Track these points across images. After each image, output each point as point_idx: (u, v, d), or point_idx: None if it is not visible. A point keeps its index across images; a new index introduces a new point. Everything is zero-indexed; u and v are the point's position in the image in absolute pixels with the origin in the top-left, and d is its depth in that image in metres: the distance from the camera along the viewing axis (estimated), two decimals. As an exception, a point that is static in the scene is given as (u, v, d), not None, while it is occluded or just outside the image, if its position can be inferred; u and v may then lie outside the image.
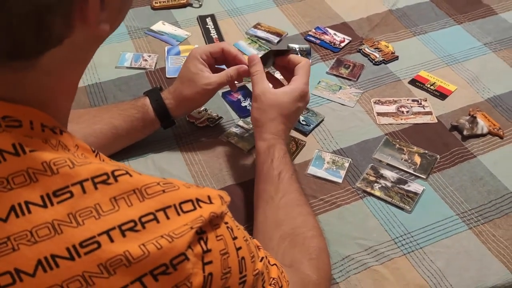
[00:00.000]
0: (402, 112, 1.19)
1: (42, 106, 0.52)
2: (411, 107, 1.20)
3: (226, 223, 0.55)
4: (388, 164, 1.07)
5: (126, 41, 1.38)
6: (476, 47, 1.39)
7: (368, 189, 1.02)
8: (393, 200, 1.00)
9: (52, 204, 0.47)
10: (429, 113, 1.19)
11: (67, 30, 0.49)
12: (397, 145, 1.10)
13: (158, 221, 0.49)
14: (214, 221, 0.53)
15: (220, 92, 1.22)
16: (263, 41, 1.39)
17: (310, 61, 1.30)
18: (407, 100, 1.22)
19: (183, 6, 1.51)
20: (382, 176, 1.04)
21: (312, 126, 1.14)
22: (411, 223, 0.97)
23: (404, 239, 0.94)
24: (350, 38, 1.41)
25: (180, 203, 0.51)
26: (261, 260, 0.62)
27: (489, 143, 1.12)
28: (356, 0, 1.56)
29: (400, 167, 1.06)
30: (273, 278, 0.65)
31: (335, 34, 1.42)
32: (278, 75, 1.12)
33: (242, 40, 1.38)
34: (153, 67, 1.30)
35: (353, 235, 0.95)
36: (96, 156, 0.56)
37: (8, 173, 0.47)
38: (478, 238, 0.95)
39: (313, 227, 0.86)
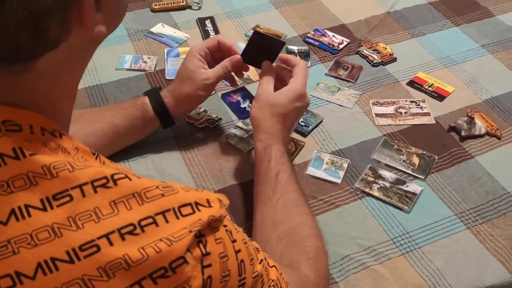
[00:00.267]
0: (401, 113, 1.19)
1: (42, 109, 0.52)
2: (409, 108, 1.21)
3: (225, 226, 0.56)
4: (386, 165, 1.08)
5: (126, 43, 1.38)
6: (474, 48, 1.40)
7: (367, 190, 1.02)
8: (391, 201, 1.00)
9: (52, 208, 0.47)
10: (427, 114, 1.19)
11: (63, 33, 0.50)
12: (396, 146, 1.11)
13: (157, 225, 0.49)
14: (213, 224, 0.53)
15: (219, 93, 1.23)
16: (262, 43, 1.39)
17: (309, 63, 1.32)
18: (405, 101, 1.22)
19: (183, 8, 1.52)
20: (380, 177, 1.05)
21: (311, 127, 1.15)
22: (410, 223, 0.97)
23: (402, 239, 0.95)
24: (348, 40, 1.41)
25: (179, 207, 0.51)
26: (260, 262, 0.62)
27: (487, 143, 1.13)
28: (355, 2, 1.56)
29: (399, 168, 1.07)
30: (273, 280, 0.66)
31: (333, 36, 1.42)
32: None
33: (241, 42, 1.39)
34: (152, 69, 1.30)
35: (352, 235, 0.95)
36: (96, 158, 0.56)
37: (8, 176, 0.47)
38: (476, 237, 0.96)
39: (310, 227, 0.86)
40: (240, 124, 1.16)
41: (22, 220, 0.46)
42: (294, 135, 1.13)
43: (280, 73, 1.02)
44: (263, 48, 1.04)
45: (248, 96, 1.22)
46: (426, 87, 1.27)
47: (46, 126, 0.52)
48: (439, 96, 1.24)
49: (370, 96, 1.24)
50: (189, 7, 1.53)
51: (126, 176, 0.51)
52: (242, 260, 0.56)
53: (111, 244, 0.47)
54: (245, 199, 1.00)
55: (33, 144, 0.49)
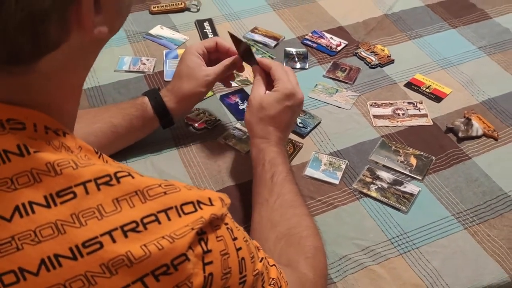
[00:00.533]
0: (398, 114, 1.20)
1: (46, 108, 0.53)
2: (407, 109, 1.21)
3: (226, 224, 0.56)
4: (384, 166, 1.08)
5: (125, 45, 1.39)
6: (471, 50, 1.41)
7: (365, 190, 1.03)
8: (389, 201, 1.01)
9: (55, 205, 0.48)
10: (425, 115, 1.20)
11: (63, 35, 0.50)
12: (393, 147, 1.12)
13: (159, 222, 0.50)
14: (214, 223, 0.54)
15: (218, 95, 1.24)
16: (260, 45, 1.40)
17: (307, 65, 1.33)
18: (403, 102, 1.23)
19: (181, 10, 1.53)
20: (378, 178, 1.05)
21: (309, 128, 1.16)
22: (407, 223, 0.98)
23: (400, 239, 0.95)
24: (346, 42, 1.42)
25: (181, 205, 0.52)
26: (261, 261, 0.63)
27: (484, 145, 1.14)
28: (352, 5, 1.57)
29: (396, 169, 1.07)
30: (273, 279, 0.66)
31: (331, 38, 1.43)
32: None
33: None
34: (151, 71, 1.31)
35: (350, 235, 0.96)
36: (99, 157, 0.56)
37: (13, 173, 0.47)
38: (473, 238, 0.96)
39: (307, 227, 0.87)
40: (238, 125, 1.16)
41: (26, 217, 0.47)
42: (292, 137, 1.14)
43: (272, 75, 1.02)
44: (242, 49, 1.05)
45: (246, 97, 1.23)
46: (424, 88, 1.27)
47: (50, 125, 0.53)
48: (437, 97, 1.25)
49: (368, 97, 1.25)
50: (188, 9, 1.53)
51: (129, 174, 0.51)
52: (243, 258, 0.57)
53: (114, 241, 0.48)
54: (243, 199, 1.01)
55: (37, 142, 0.50)
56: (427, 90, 1.27)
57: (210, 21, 1.49)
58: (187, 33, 1.44)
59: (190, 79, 1.04)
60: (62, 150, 0.52)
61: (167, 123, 1.07)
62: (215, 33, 1.44)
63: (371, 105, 1.22)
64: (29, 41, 0.47)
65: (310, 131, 1.16)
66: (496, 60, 1.37)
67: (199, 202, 0.53)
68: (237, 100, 1.23)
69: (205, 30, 1.45)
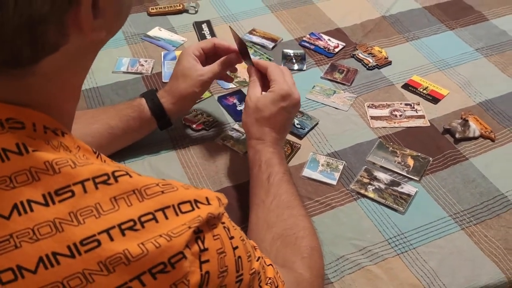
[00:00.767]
0: (395, 115, 1.20)
1: (45, 108, 0.53)
2: (404, 111, 1.22)
3: (223, 223, 0.56)
4: (381, 167, 1.09)
5: (123, 46, 1.39)
6: (468, 52, 1.41)
7: (362, 191, 1.03)
8: (386, 202, 1.01)
9: (53, 203, 0.48)
10: (422, 116, 1.21)
11: (62, 38, 0.50)
12: (391, 148, 1.12)
13: (157, 221, 0.50)
14: (211, 221, 0.54)
15: (216, 96, 1.24)
16: (258, 47, 1.41)
17: (305, 66, 1.33)
18: (400, 104, 1.24)
19: (179, 12, 1.53)
20: (375, 178, 1.06)
21: (307, 129, 1.16)
22: (404, 224, 0.98)
23: (397, 240, 0.96)
24: (344, 44, 1.42)
25: (179, 204, 0.52)
26: (257, 260, 0.63)
27: (481, 146, 1.14)
28: (350, 7, 1.58)
29: (394, 169, 1.08)
30: (269, 278, 0.66)
31: (329, 39, 1.44)
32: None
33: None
34: (149, 72, 1.31)
35: (347, 235, 0.96)
36: (97, 157, 0.57)
37: (12, 171, 0.48)
38: (470, 238, 0.97)
39: (304, 228, 0.87)
40: (236, 126, 1.17)
41: (25, 215, 0.47)
42: (290, 137, 1.14)
43: (269, 76, 1.02)
44: (241, 46, 1.05)
45: (244, 98, 1.23)
46: (421, 90, 1.28)
47: (49, 124, 0.53)
48: (434, 99, 1.26)
49: (366, 99, 1.25)
50: (186, 11, 1.54)
51: (127, 173, 0.52)
52: (239, 257, 0.57)
53: (111, 239, 0.48)
54: (241, 200, 1.01)
55: (35, 141, 0.50)
56: (424, 91, 1.27)
57: (208, 22, 1.49)
58: (185, 34, 1.45)
59: (185, 80, 1.04)
60: (60, 149, 0.52)
61: (164, 124, 1.07)
62: (213, 34, 1.45)
63: (368, 107, 1.23)
64: (27, 45, 0.48)
65: (308, 132, 1.16)
66: (493, 61, 1.38)
67: (196, 201, 0.53)
68: (235, 101, 1.23)
69: (203, 32, 1.46)
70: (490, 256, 0.94)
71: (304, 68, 1.34)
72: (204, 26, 1.48)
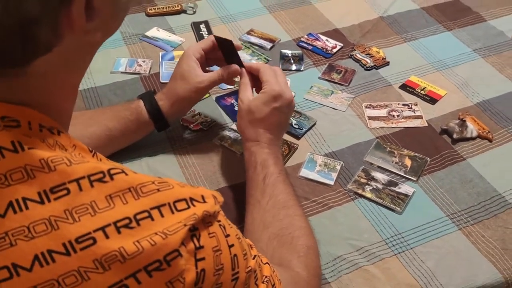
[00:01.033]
0: (393, 116, 1.21)
1: (42, 108, 0.53)
2: (402, 111, 1.22)
3: (219, 221, 0.56)
4: (379, 167, 1.09)
5: (121, 47, 1.39)
6: (466, 53, 1.41)
7: (360, 191, 1.03)
8: (384, 202, 1.01)
9: (49, 201, 0.48)
10: (420, 117, 1.21)
11: (55, 39, 0.50)
12: (388, 148, 1.12)
13: (152, 219, 0.50)
14: (207, 219, 0.54)
15: (213, 96, 1.24)
16: (256, 47, 1.41)
17: (302, 67, 1.33)
18: (398, 104, 1.24)
19: (178, 12, 1.53)
20: (373, 178, 1.06)
21: (304, 129, 1.16)
22: (402, 224, 0.98)
23: (394, 240, 0.96)
24: (341, 44, 1.43)
25: (174, 202, 0.52)
26: (253, 258, 0.63)
27: (478, 146, 1.14)
28: (348, 7, 1.58)
29: (391, 170, 1.08)
30: (266, 276, 0.66)
31: (327, 40, 1.44)
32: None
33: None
34: (147, 72, 1.31)
35: (344, 235, 0.96)
36: (93, 156, 0.57)
37: (7, 169, 0.48)
38: (467, 238, 0.97)
39: (300, 227, 0.87)
40: (234, 126, 1.17)
41: (20, 213, 0.47)
42: (288, 138, 1.14)
43: (261, 78, 1.02)
44: (228, 50, 1.05)
45: (242, 99, 1.23)
46: (419, 90, 1.28)
47: (44, 123, 0.53)
48: (431, 99, 1.26)
49: (363, 99, 1.25)
50: (184, 11, 1.54)
51: (123, 171, 0.52)
52: (235, 255, 0.57)
53: (107, 237, 0.48)
54: (238, 200, 1.01)
55: (31, 139, 0.50)
56: (422, 92, 1.28)
57: (206, 23, 1.49)
58: (184, 35, 1.45)
59: (183, 83, 1.04)
60: (56, 147, 0.52)
61: (162, 126, 1.07)
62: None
63: (366, 107, 1.23)
64: (19, 46, 0.48)
65: (306, 132, 1.16)
66: (491, 62, 1.38)
67: (192, 199, 0.53)
68: (233, 101, 1.23)
69: (201, 32, 1.46)
70: (487, 256, 0.94)
71: (302, 68, 1.35)
72: (202, 26, 1.48)
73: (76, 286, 0.47)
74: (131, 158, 1.08)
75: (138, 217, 0.50)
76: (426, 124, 1.19)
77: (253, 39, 1.43)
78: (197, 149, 1.12)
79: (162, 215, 0.51)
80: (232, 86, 1.27)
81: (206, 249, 0.53)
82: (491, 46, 1.44)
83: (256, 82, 1.03)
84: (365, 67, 1.35)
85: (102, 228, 0.48)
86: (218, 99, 1.24)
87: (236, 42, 1.40)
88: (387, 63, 1.36)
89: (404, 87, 1.29)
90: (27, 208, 0.47)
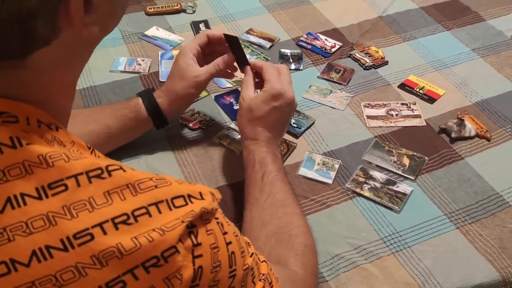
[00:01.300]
0: (392, 115, 1.21)
1: (40, 103, 0.53)
2: (400, 110, 1.22)
3: (217, 218, 0.57)
4: (377, 166, 1.09)
5: (120, 45, 1.40)
6: (465, 52, 1.42)
7: (358, 190, 1.03)
8: (382, 201, 1.01)
9: (47, 197, 0.48)
10: (418, 116, 1.21)
11: (53, 32, 0.50)
12: (386, 147, 1.12)
13: (150, 215, 0.50)
14: (204, 216, 0.54)
15: (212, 95, 1.24)
16: (256, 46, 1.41)
17: (301, 66, 1.33)
18: (397, 103, 1.24)
19: (177, 12, 1.54)
20: (371, 177, 1.06)
21: (303, 128, 1.16)
22: (400, 222, 0.99)
23: (392, 238, 0.96)
24: (341, 44, 1.43)
25: (172, 198, 0.52)
26: (251, 256, 0.63)
27: (477, 145, 1.15)
28: (347, 7, 1.58)
29: (389, 169, 1.08)
30: (263, 274, 0.66)
31: (326, 39, 1.44)
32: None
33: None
34: (146, 71, 1.31)
35: (342, 234, 0.97)
36: (91, 152, 0.57)
37: (5, 165, 0.48)
38: (465, 237, 0.97)
39: (297, 226, 0.87)
40: (233, 125, 1.17)
41: (18, 209, 0.47)
42: (286, 136, 1.14)
43: (263, 76, 1.02)
44: (236, 48, 1.06)
45: (241, 98, 1.23)
46: (417, 89, 1.28)
47: (43, 119, 0.53)
48: (430, 98, 1.26)
49: (362, 98, 1.26)
50: (184, 10, 1.54)
51: (121, 168, 0.52)
52: (232, 252, 0.57)
53: (104, 233, 0.48)
54: (236, 199, 1.01)
55: (29, 135, 0.50)
56: (420, 91, 1.28)
57: (205, 22, 1.50)
58: (183, 34, 1.45)
59: (181, 80, 1.04)
60: (54, 143, 0.52)
61: (161, 124, 1.08)
62: (210, 34, 1.45)
63: (365, 106, 1.23)
64: (17, 38, 0.48)
65: (304, 131, 1.16)
66: (490, 62, 1.38)
67: (189, 196, 0.53)
68: (232, 100, 1.23)
69: (200, 31, 1.46)
70: (484, 255, 0.94)
71: (301, 67, 1.35)
72: (202, 25, 1.48)
73: (73, 281, 0.47)
74: (130, 156, 1.08)
75: (136, 213, 0.50)
76: (425, 123, 1.19)
77: (252, 39, 1.43)
78: (196, 148, 1.12)
79: (159, 212, 0.51)
80: (231, 85, 1.27)
81: (204, 246, 0.53)
82: (489, 46, 1.44)
83: (261, 80, 1.03)
84: (364, 66, 1.35)
85: (100, 224, 0.48)
86: (217, 98, 1.24)
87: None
88: (386, 63, 1.37)
89: (402, 86, 1.30)
90: (25, 204, 0.47)
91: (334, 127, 1.18)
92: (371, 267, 0.92)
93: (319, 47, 1.41)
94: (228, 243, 0.57)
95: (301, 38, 1.44)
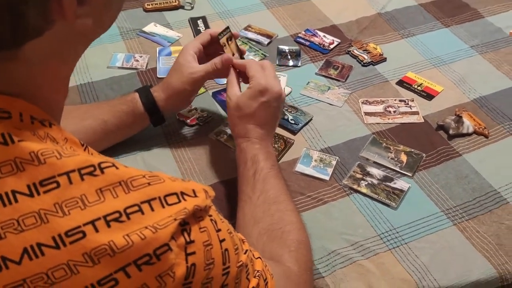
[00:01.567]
0: (389, 112, 1.21)
1: (33, 98, 0.53)
2: (398, 107, 1.22)
3: (210, 215, 0.56)
4: (374, 162, 1.09)
5: (118, 42, 1.39)
6: (463, 49, 1.41)
7: (355, 186, 1.03)
8: (379, 197, 1.01)
9: (38, 194, 0.48)
10: (416, 113, 1.21)
11: (45, 23, 0.50)
12: (384, 144, 1.12)
13: (142, 213, 0.50)
14: (197, 214, 0.54)
15: (210, 91, 1.24)
16: (254, 43, 1.41)
17: (299, 62, 1.33)
18: (395, 100, 1.24)
19: (175, 8, 1.53)
20: (368, 174, 1.06)
21: (300, 125, 1.16)
22: (397, 219, 0.99)
23: (389, 235, 0.96)
24: (339, 40, 1.42)
25: (165, 196, 0.52)
26: (245, 253, 0.63)
27: (475, 142, 1.14)
28: (346, 3, 1.58)
29: (387, 165, 1.08)
30: (258, 271, 0.66)
31: (324, 36, 1.44)
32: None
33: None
34: (144, 67, 1.31)
35: (339, 230, 0.96)
36: (84, 149, 0.57)
37: None
38: (462, 234, 0.97)
39: (290, 222, 0.87)
40: (230, 121, 1.17)
41: (9, 206, 0.47)
42: (284, 133, 1.14)
43: (248, 74, 1.01)
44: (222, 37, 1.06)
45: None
46: (415, 86, 1.28)
47: (36, 115, 0.53)
48: (428, 95, 1.26)
49: (360, 95, 1.25)
50: (182, 7, 1.54)
51: (113, 165, 0.52)
52: (226, 249, 0.57)
53: (96, 230, 0.48)
54: (233, 195, 1.00)
55: (22, 131, 0.50)
56: (418, 88, 1.28)
57: (204, 18, 1.49)
58: (181, 30, 1.45)
59: (177, 76, 1.04)
60: (47, 140, 0.52)
61: (157, 120, 1.07)
62: (208, 30, 1.45)
63: (362, 103, 1.23)
64: (8, 27, 0.47)
65: (302, 127, 1.16)
66: (488, 59, 1.38)
67: (183, 193, 0.53)
68: (229, 97, 1.23)
69: (198, 28, 1.46)
70: (481, 251, 0.94)
71: (299, 64, 1.34)
72: (200, 22, 1.48)
73: (65, 279, 0.47)
74: (127, 153, 1.08)
75: (128, 211, 0.50)
76: (423, 120, 1.19)
77: (251, 35, 1.43)
78: (193, 144, 1.12)
79: (152, 209, 0.51)
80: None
81: (197, 243, 0.53)
82: (488, 43, 1.43)
83: (246, 79, 1.02)
84: (362, 63, 1.35)
85: (92, 222, 0.48)
86: (215, 94, 1.24)
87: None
88: (384, 59, 1.36)
89: (401, 83, 1.29)
90: (16, 201, 0.47)
91: (331, 124, 1.18)
92: (368, 263, 0.92)
93: (317, 43, 1.41)
94: (221, 240, 0.57)
95: (299, 35, 1.44)
